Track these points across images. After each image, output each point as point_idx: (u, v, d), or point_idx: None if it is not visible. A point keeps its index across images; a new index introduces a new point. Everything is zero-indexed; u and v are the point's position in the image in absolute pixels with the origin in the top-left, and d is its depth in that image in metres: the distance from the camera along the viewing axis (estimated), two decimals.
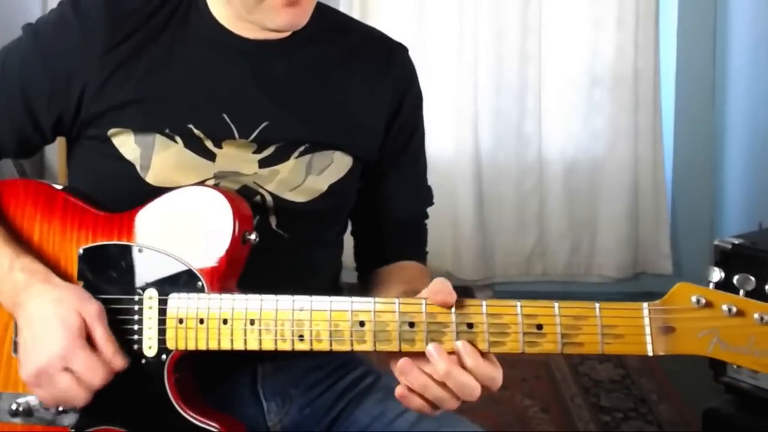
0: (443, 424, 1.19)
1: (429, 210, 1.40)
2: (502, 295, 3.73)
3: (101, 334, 1.06)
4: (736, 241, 2.10)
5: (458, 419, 1.21)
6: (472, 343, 0.99)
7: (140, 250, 1.11)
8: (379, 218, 1.33)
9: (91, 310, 1.06)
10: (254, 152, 1.18)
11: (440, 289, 0.99)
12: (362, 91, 1.25)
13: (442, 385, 0.99)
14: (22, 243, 1.14)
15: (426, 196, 1.38)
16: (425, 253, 1.37)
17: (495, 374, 0.99)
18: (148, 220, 1.12)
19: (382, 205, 1.32)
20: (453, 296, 0.99)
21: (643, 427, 2.63)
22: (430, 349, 0.99)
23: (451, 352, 0.99)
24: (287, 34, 1.20)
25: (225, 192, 1.11)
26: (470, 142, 3.71)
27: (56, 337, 1.04)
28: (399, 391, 1.01)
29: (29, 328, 1.07)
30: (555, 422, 2.66)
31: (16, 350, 1.13)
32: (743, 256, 2.05)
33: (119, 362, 1.06)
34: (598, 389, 2.87)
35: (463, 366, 0.98)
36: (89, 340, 1.05)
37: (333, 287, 1.32)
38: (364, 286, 1.32)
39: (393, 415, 1.21)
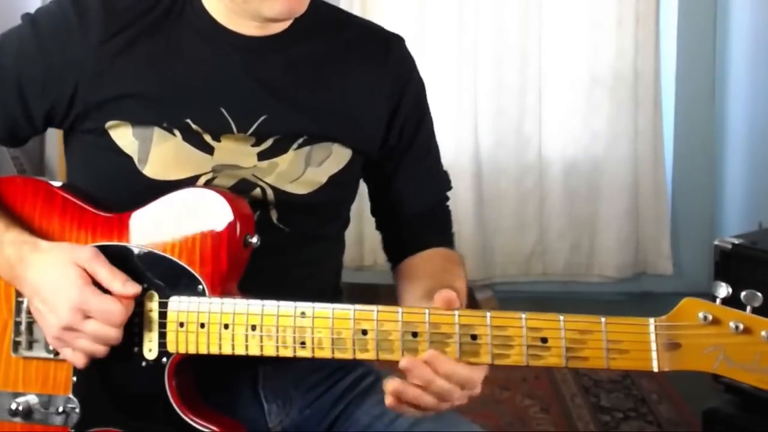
0: (443, 425, 1.19)
1: None
2: (502, 294, 3.73)
3: (104, 272, 1.06)
4: (736, 241, 2.10)
5: (458, 419, 1.21)
6: (476, 355, 0.99)
7: (140, 252, 1.10)
8: (397, 214, 1.32)
9: (85, 255, 1.07)
10: (253, 145, 1.18)
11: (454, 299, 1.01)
12: (359, 84, 1.25)
13: (423, 389, 1.00)
14: (8, 216, 1.15)
15: (442, 184, 1.37)
16: (451, 235, 1.36)
17: (471, 375, 0.99)
18: (148, 221, 1.11)
19: (397, 201, 1.31)
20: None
21: (643, 427, 2.63)
22: (404, 363, 0.99)
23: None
24: (283, 28, 1.20)
25: (226, 194, 1.10)
26: (470, 142, 3.71)
27: (66, 293, 1.05)
28: (388, 402, 1.02)
29: (38, 296, 1.08)
30: (555, 422, 2.66)
31: (15, 350, 1.14)
32: (743, 256, 2.05)
33: (131, 289, 1.06)
34: (598, 389, 2.87)
35: (437, 372, 0.99)
36: (96, 284, 1.06)
37: (334, 285, 1.32)
38: (396, 280, 1.31)
39: (393, 416, 1.20)
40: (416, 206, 1.32)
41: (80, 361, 1.08)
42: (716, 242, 2.15)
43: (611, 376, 2.96)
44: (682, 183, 3.77)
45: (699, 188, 3.73)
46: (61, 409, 1.11)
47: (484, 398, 2.73)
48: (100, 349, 1.07)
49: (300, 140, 1.19)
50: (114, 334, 1.06)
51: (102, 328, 1.05)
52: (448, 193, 1.38)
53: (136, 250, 1.10)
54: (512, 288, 3.79)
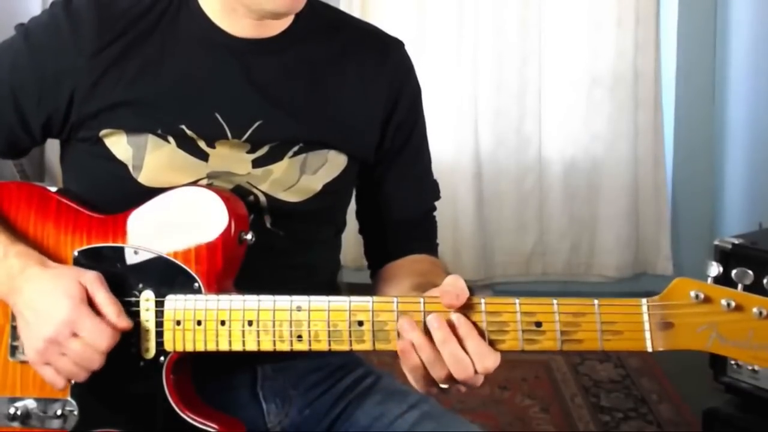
0: (443, 424, 1.19)
1: None
2: (501, 295, 3.72)
3: (103, 297, 1.06)
4: (736, 241, 2.10)
5: (458, 419, 1.21)
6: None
7: (135, 252, 1.10)
8: (383, 218, 1.31)
9: (90, 276, 1.07)
10: (248, 152, 1.18)
11: (449, 290, 1.00)
12: (356, 89, 1.24)
13: (437, 352, 0.99)
14: (16, 232, 1.14)
15: (431, 192, 1.36)
16: (435, 246, 1.36)
17: (485, 352, 0.98)
18: (142, 221, 1.11)
19: (385, 204, 1.31)
20: (462, 297, 0.99)
21: (643, 427, 2.63)
22: (431, 319, 0.99)
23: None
24: (280, 29, 1.20)
25: (220, 192, 1.10)
26: (470, 142, 3.71)
27: (60, 305, 1.05)
28: (401, 345, 1.00)
29: (30, 307, 1.07)
30: (555, 422, 2.65)
31: (13, 354, 1.13)
32: (743, 256, 2.05)
33: (123, 323, 1.06)
34: (598, 389, 2.87)
35: (457, 336, 0.98)
36: (92, 307, 1.06)
37: (330, 286, 1.31)
38: (375, 283, 1.31)
39: (393, 417, 1.21)
40: (404, 211, 1.31)
41: (60, 383, 1.08)
42: (716, 242, 2.15)
43: (611, 376, 2.96)
44: (682, 183, 3.77)
45: (699, 188, 3.73)
46: (59, 413, 1.11)
47: (484, 398, 2.73)
48: (81, 374, 1.06)
49: (295, 148, 1.19)
50: (96, 359, 1.05)
51: (85, 350, 1.04)
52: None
53: (131, 250, 1.10)
54: (512, 288, 3.79)
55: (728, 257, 2.07)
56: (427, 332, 0.99)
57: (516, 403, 2.76)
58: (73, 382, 1.10)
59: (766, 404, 2.05)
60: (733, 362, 2.08)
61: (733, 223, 3.44)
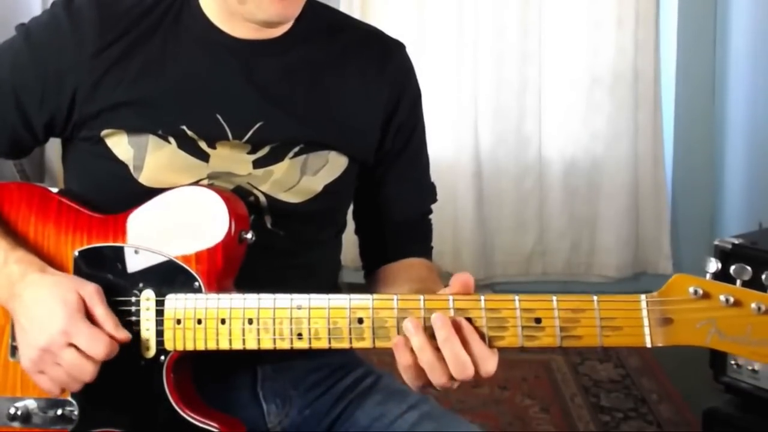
0: (443, 424, 1.19)
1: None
2: None
3: (101, 312, 1.06)
4: (736, 241, 2.10)
5: (458, 419, 1.22)
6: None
7: (136, 251, 1.10)
8: (381, 219, 1.32)
9: (89, 289, 1.07)
10: (249, 153, 1.18)
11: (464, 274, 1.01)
12: (357, 90, 1.24)
13: (438, 353, 0.99)
14: (17, 237, 1.14)
15: (429, 195, 1.37)
16: (431, 248, 1.36)
17: (487, 355, 0.99)
18: (143, 220, 1.11)
19: (384, 205, 1.31)
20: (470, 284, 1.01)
21: (643, 427, 2.63)
22: (435, 318, 0.99)
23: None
24: (281, 32, 1.20)
25: (220, 191, 1.10)
26: (470, 142, 3.71)
27: (56, 314, 1.04)
28: (395, 340, 1.01)
29: (27, 314, 1.07)
30: (555, 422, 2.66)
31: (13, 354, 1.13)
32: (743, 256, 2.05)
33: (122, 335, 1.06)
34: (598, 389, 2.87)
35: (461, 337, 0.98)
36: (89, 319, 1.06)
37: (331, 287, 1.31)
38: (371, 285, 1.31)
39: (393, 417, 1.21)
40: (403, 213, 1.31)
41: (55, 390, 1.08)
42: (716, 242, 2.15)
43: (611, 376, 2.96)
44: (682, 183, 3.77)
45: (699, 188, 3.73)
46: (59, 413, 1.11)
47: (484, 398, 2.73)
48: (74, 385, 1.06)
49: (296, 148, 1.19)
50: (89, 368, 1.05)
51: (80, 360, 1.04)
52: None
53: (131, 250, 1.10)
54: (512, 288, 3.79)
55: (728, 257, 2.07)
56: (429, 335, 0.99)
57: (516, 403, 2.76)
58: None
59: (766, 404, 2.05)
60: (733, 362, 2.08)
61: (733, 222, 3.44)
